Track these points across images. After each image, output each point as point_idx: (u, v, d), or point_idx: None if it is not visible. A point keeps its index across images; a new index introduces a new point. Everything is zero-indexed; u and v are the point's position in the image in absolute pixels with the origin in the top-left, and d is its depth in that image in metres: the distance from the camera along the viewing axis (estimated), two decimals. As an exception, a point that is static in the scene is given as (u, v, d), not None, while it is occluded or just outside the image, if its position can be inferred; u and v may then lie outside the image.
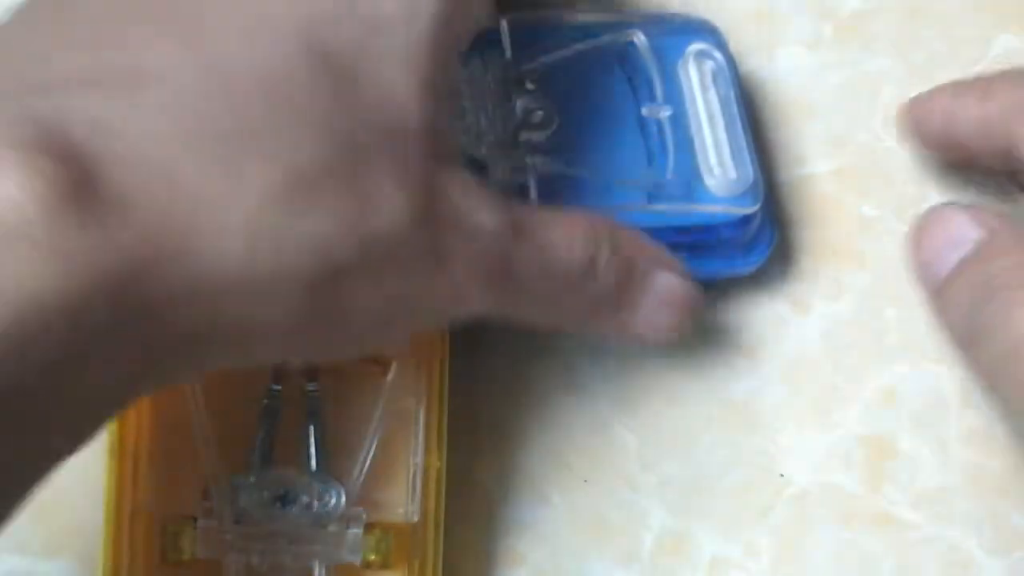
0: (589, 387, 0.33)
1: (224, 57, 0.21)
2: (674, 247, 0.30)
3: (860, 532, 0.32)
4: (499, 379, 0.33)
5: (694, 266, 0.30)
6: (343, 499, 0.29)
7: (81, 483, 0.30)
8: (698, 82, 0.32)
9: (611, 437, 0.33)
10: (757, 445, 0.33)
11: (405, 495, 0.29)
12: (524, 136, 0.30)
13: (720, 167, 0.31)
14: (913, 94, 0.33)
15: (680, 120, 0.31)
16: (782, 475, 0.33)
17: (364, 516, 0.29)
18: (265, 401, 0.29)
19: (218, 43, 0.21)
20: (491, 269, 0.24)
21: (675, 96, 0.32)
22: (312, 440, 0.29)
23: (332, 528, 0.29)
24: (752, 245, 0.32)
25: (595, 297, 0.27)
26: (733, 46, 0.34)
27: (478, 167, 0.30)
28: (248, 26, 0.21)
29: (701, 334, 0.33)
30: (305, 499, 0.29)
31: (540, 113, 0.30)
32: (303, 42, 0.21)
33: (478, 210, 0.24)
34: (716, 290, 0.34)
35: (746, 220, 0.31)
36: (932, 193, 0.35)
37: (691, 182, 0.31)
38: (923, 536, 0.32)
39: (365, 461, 0.29)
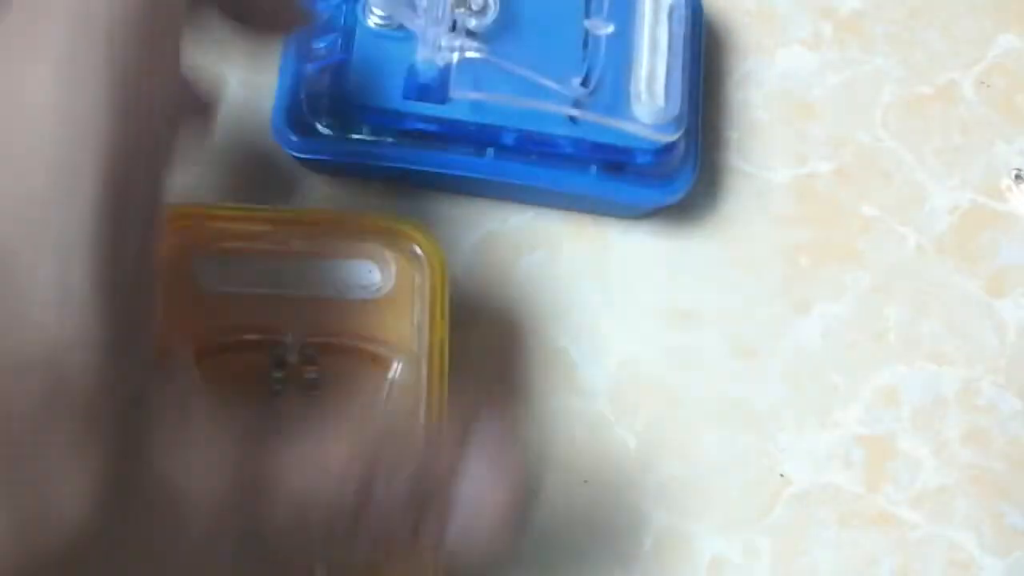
0: (589, 387, 0.33)
1: None
2: (591, 164, 0.32)
3: (860, 532, 0.32)
4: (499, 379, 0.33)
5: (612, 189, 0.32)
6: None
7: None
8: (651, 12, 0.32)
9: (611, 437, 0.33)
10: (757, 445, 0.33)
11: None
12: (460, 19, 0.31)
13: (649, 94, 0.31)
14: (913, 94, 0.33)
15: (623, 42, 0.32)
16: (782, 475, 0.33)
17: None
18: (265, 406, 0.29)
19: None
20: (235, 541, 0.18)
21: (624, 19, 0.32)
22: None
23: None
24: (671, 178, 0.33)
25: (381, 533, 0.21)
26: (733, 45, 0.34)
27: (410, 39, 0.31)
28: None
29: (701, 334, 0.33)
30: None
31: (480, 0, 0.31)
32: None
33: (197, 472, 0.17)
34: (716, 286, 0.34)
35: (665, 149, 0.32)
36: (932, 193, 0.35)
37: (618, 102, 0.31)
38: (923, 536, 0.32)
39: None
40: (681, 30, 0.32)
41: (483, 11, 0.31)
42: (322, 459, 0.20)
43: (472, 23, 0.31)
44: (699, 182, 0.33)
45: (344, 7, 0.32)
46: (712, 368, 0.33)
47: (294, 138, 0.31)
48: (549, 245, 0.34)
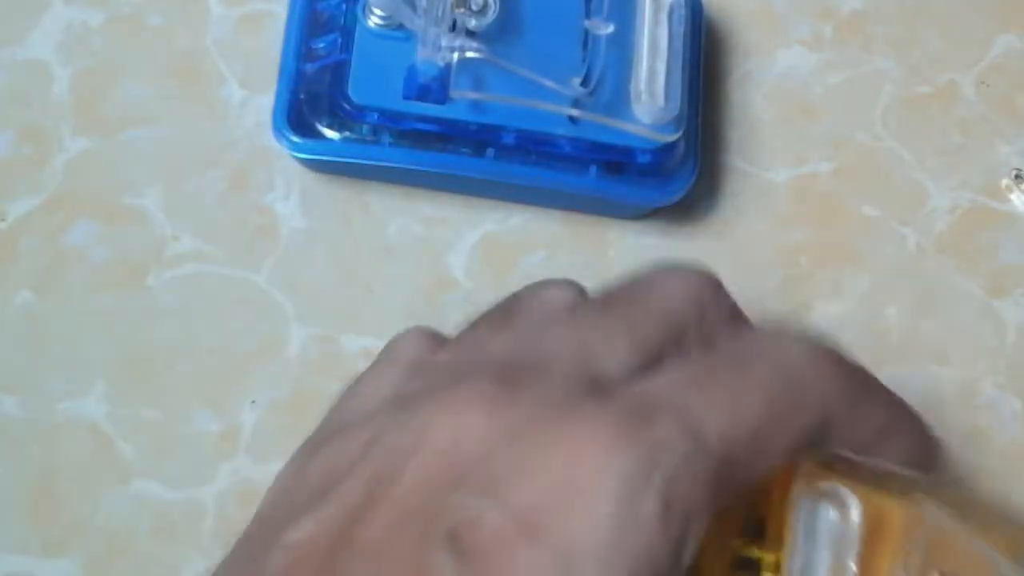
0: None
1: None
2: (591, 164, 0.32)
3: (860, 532, 0.32)
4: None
5: (612, 189, 0.32)
6: None
7: (81, 483, 0.31)
8: (651, 12, 0.32)
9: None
10: (757, 445, 0.33)
11: None
12: (460, 19, 0.31)
13: (649, 94, 0.31)
14: (913, 94, 0.33)
15: (623, 42, 0.32)
16: (782, 475, 0.33)
17: None
18: None
19: None
20: None
21: (624, 19, 0.32)
22: None
23: None
24: (671, 178, 0.33)
25: None
26: (733, 45, 0.34)
27: (410, 39, 0.31)
28: None
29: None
30: None
31: (480, 0, 0.31)
32: None
33: None
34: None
35: (665, 149, 0.32)
36: (932, 193, 0.35)
37: (618, 102, 0.32)
38: (923, 536, 0.32)
39: None
40: (681, 30, 0.32)
41: (483, 11, 0.31)
42: None
43: (472, 23, 0.31)
44: (699, 182, 0.33)
45: (344, 7, 0.32)
46: (712, 368, 0.33)
47: (294, 138, 0.31)
48: (549, 245, 0.34)
